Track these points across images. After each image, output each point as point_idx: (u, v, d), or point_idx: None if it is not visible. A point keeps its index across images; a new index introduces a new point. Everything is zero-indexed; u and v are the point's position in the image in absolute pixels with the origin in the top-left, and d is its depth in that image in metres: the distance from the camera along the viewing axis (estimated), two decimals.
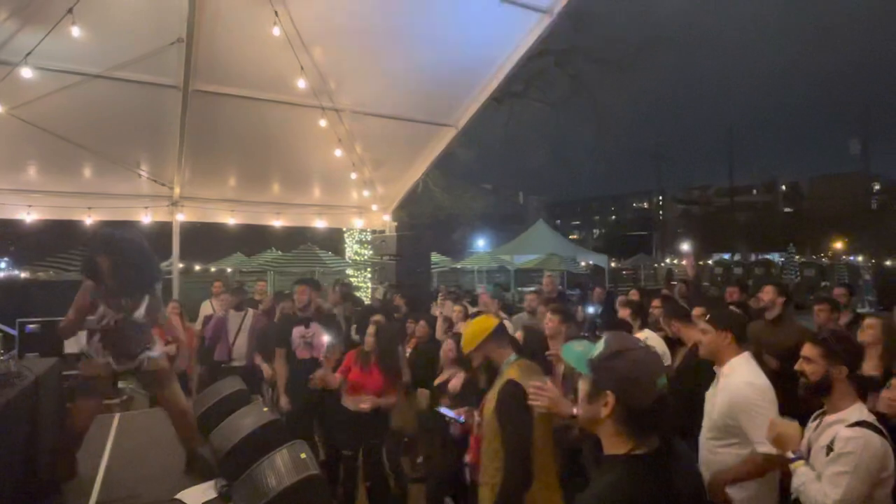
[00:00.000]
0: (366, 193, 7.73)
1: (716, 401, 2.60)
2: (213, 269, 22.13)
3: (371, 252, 9.39)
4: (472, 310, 5.71)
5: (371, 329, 4.25)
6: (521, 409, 2.37)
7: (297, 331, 4.78)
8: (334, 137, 6.20)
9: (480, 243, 30.70)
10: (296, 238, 16.59)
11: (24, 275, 16.85)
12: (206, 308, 7.08)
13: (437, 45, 5.44)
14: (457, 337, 3.95)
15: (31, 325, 5.57)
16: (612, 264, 26.59)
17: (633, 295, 6.65)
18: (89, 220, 6.82)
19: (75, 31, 4.19)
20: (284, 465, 2.75)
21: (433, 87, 6.16)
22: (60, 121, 5.35)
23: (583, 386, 1.42)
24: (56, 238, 16.33)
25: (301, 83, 5.21)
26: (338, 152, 6.37)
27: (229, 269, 20.76)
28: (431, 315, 6.74)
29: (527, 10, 5.26)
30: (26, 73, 4.51)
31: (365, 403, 3.96)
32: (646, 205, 70.61)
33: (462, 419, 3.21)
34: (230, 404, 4.38)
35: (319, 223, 8.20)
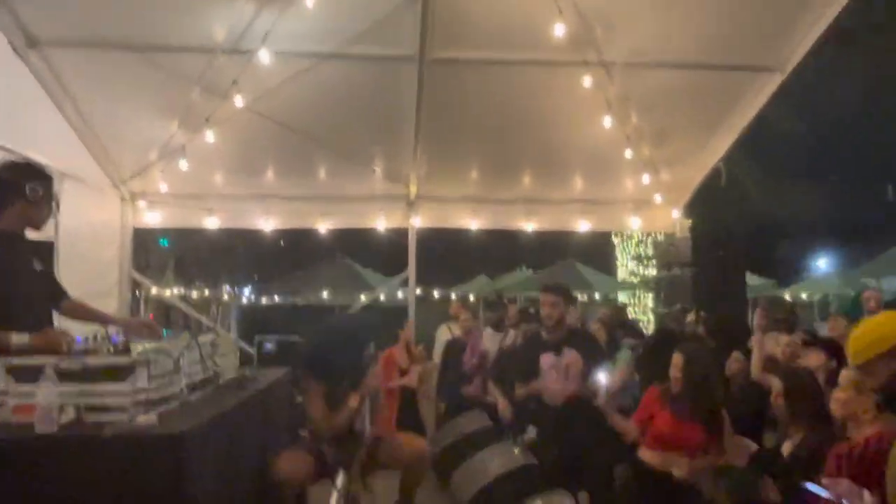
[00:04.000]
0: (645, 180, 7.49)
1: None
2: (454, 297, 24.07)
3: (654, 268, 9.09)
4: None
5: (678, 360, 4.05)
6: None
7: (546, 359, 4.77)
8: (602, 102, 6.18)
9: (821, 263, 27.80)
10: (550, 249, 16.98)
11: (263, 300, 20.95)
12: (444, 333, 7.68)
13: None
14: (788, 376, 3.64)
15: (269, 343, 6.90)
16: None
17: None
18: (323, 228, 8.01)
19: (309, 2, 4.98)
20: None
21: (742, 16, 5.70)
22: (293, 112, 6.39)
23: None
24: (290, 250, 20.87)
25: (558, 30, 5.31)
26: (606, 122, 6.33)
27: (472, 297, 22.31)
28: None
29: None
30: (263, 56, 5.47)
31: (681, 468, 3.78)
32: None
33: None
34: (473, 443, 4.69)
35: (582, 225, 8.23)
